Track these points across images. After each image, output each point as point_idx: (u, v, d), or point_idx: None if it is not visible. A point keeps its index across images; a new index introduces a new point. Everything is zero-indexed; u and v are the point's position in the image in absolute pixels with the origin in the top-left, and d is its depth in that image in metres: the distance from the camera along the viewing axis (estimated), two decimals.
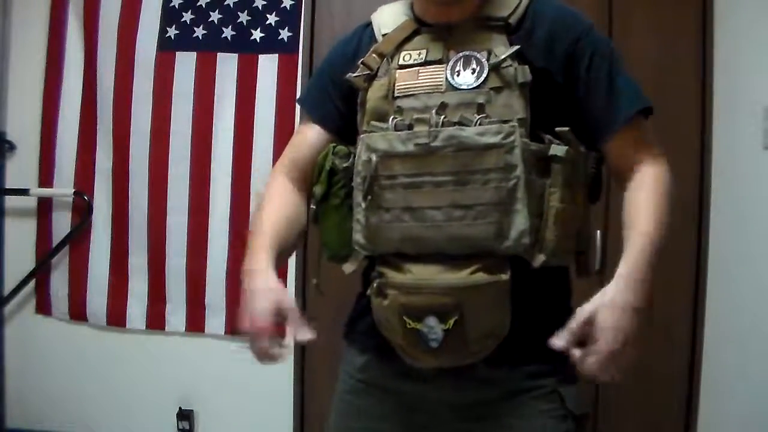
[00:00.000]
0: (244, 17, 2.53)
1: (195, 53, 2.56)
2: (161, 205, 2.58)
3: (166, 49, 2.57)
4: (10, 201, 2.71)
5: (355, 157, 1.10)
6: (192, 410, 2.61)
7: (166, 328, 2.61)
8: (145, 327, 2.63)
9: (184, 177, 2.57)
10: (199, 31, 2.56)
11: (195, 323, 2.59)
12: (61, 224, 2.66)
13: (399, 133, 1.04)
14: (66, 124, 2.65)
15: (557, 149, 1.02)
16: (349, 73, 1.12)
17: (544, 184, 1.02)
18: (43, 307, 2.70)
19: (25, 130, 2.68)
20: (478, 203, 0.99)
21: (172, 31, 2.57)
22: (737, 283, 2.10)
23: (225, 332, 2.57)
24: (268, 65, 2.51)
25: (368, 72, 1.10)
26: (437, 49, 1.08)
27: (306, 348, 2.45)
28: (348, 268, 1.12)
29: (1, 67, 2.68)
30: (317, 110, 1.22)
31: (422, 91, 1.05)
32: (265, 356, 1.06)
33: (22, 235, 2.69)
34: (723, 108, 2.18)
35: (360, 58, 1.13)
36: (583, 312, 0.97)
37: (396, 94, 1.07)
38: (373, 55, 1.11)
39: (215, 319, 2.58)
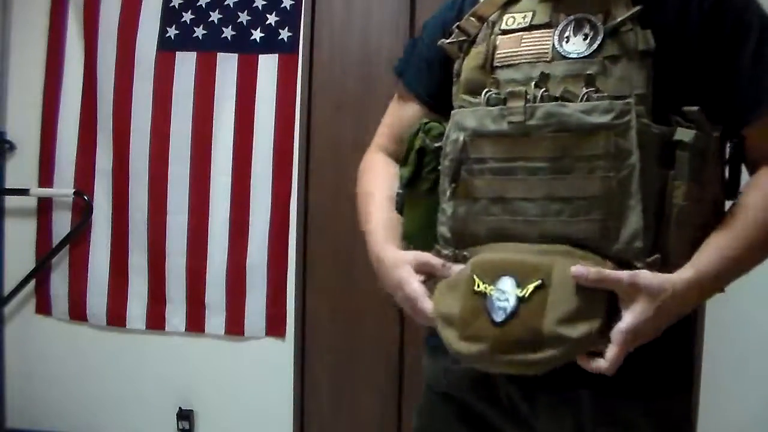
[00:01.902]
0: (244, 17, 2.53)
1: (195, 53, 2.55)
2: (161, 205, 2.58)
3: (166, 49, 2.56)
4: (10, 201, 2.71)
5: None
6: (192, 410, 2.61)
7: (166, 328, 2.61)
8: (145, 327, 2.62)
9: (184, 177, 2.57)
10: (199, 31, 2.56)
11: (195, 323, 2.59)
12: (61, 224, 2.66)
13: (491, 108, 0.88)
14: (66, 124, 2.65)
15: (683, 133, 0.83)
16: (442, 39, 0.97)
17: (666, 176, 0.83)
18: (43, 307, 2.70)
19: (25, 130, 2.68)
20: (580, 196, 0.82)
21: (172, 31, 2.57)
22: (737, 282, 2.10)
23: (225, 332, 2.58)
24: (268, 65, 2.51)
25: (464, 38, 0.95)
26: (545, 11, 0.90)
27: (305, 348, 2.45)
28: None
29: (1, 67, 2.68)
30: (415, 82, 1.08)
31: (525, 60, 0.89)
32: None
33: (22, 235, 2.69)
34: None
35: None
36: (642, 278, 0.80)
37: (495, 64, 0.91)
38: (472, 18, 0.95)
39: (215, 319, 2.57)
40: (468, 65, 0.94)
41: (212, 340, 2.60)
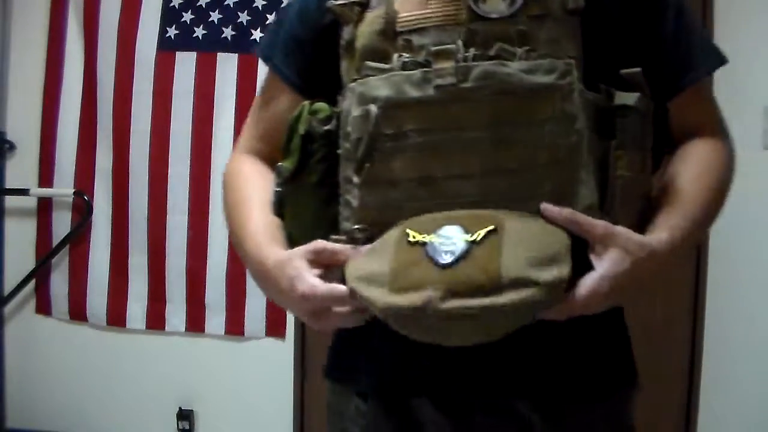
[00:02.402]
0: (244, 17, 2.53)
1: (195, 53, 2.55)
2: (161, 205, 2.58)
3: (166, 49, 2.56)
4: (10, 201, 2.71)
5: (339, 118, 0.81)
6: (192, 410, 2.61)
7: (166, 328, 2.61)
8: (145, 327, 2.62)
9: (184, 177, 2.57)
10: (199, 31, 2.56)
11: (195, 323, 2.59)
12: (61, 224, 2.66)
13: (410, 72, 0.75)
14: (66, 124, 2.65)
15: (626, 97, 0.75)
16: (330, 1, 0.83)
17: (606, 147, 0.75)
18: (43, 307, 2.70)
19: (25, 130, 2.68)
20: (526, 167, 0.73)
21: (172, 31, 2.57)
22: (737, 282, 2.10)
23: (225, 332, 2.58)
24: None
25: (356, 1, 0.81)
26: None
27: (306, 347, 2.45)
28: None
29: (1, 67, 2.68)
30: (285, 66, 0.93)
31: (434, 24, 0.77)
32: (351, 317, 0.78)
33: (22, 235, 2.69)
34: (723, 108, 2.18)
35: None
36: (619, 230, 0.72)
37: (398, 29, 0.78)
38: None
39: (215, 319, 2.57)
40: (364, 31, 0.80)
41: (212, 340, 2.59)
